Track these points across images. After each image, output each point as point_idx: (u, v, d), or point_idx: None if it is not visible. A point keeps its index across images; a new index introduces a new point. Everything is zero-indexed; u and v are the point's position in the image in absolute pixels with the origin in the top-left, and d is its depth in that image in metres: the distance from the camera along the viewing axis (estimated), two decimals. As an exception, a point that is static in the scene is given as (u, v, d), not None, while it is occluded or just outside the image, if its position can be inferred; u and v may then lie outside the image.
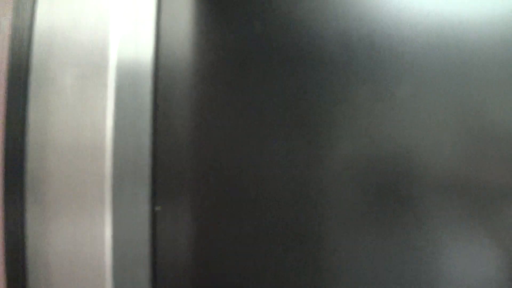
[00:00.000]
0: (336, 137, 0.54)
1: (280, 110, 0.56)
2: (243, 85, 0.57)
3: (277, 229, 0.55)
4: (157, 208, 0.60)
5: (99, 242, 0.56)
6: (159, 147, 0.60)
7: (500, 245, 0.51)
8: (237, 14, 0.58)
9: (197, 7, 0.60)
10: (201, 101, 0.59)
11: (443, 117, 0.52)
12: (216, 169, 0.58)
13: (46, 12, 0.60)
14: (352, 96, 0.54)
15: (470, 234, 0.52)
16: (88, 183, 0.56)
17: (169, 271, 0.60)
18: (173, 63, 0.60)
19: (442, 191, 0.52)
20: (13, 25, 0.62)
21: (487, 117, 0.52)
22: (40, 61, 0.60)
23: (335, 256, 0.54)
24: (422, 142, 0.52)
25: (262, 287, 0.56)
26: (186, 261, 0.59)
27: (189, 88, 0.59)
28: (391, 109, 0.53)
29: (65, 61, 0.58)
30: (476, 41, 0.53)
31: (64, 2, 0.59)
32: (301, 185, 0.55)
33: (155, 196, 0.60)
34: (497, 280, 0.51)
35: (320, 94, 0.55)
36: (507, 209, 0.51)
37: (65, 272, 0.58)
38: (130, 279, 0.57)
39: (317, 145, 0.54)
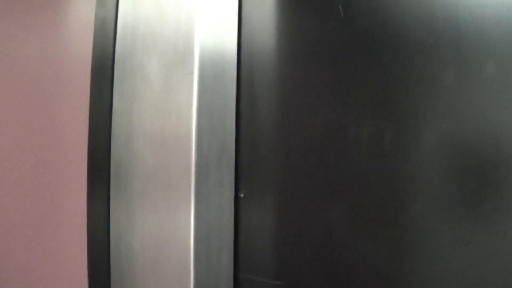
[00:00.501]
0: (422, 120, 0.53)
1: (364, 94, 0.55)
2: (326, 70, 0.57)
3: (361, 215, 0.55)
4: (241, 194, 0.60)
5: (184, 229, 0.57)
6: (243, 134, 0.60)
7: None
8: (319, -1, 0.58)
9: (278, -7, 0.60)
10: (284, 88, 0.59)
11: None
12: (299, 156, 0.58)
13: (129, 1, 0.61)
14: (438, 77, 0.53)
15: None
16: (173, 169, 0.57)
17: (251, 256, 0.60)
18: (257, 51, 0.60)
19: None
20: (96, 15, 0.63)
21: None
22: (124, 50, 0.61)
23: (421, 242, 0.53)
24: (510, 123, 0.51)
25: (341, 272, 0.56)
26: (268, 247, 0.60)
27: (272, 76, 0.59)
28: (476, 90, 0.52)
29: (150, 50, 0.59)
30: None
31: (147, -9, 0.60)
32: (386, 169, 0.54)
33: (239, 182, 0.60)
34: None
35: (406, 77, 0.54)
36: None
37: (149, 257, 0.59)
38: (213, 265, 0.58)
39: (403, 127, 0.54)
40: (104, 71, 0.62)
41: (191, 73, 0.56)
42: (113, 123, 0.62)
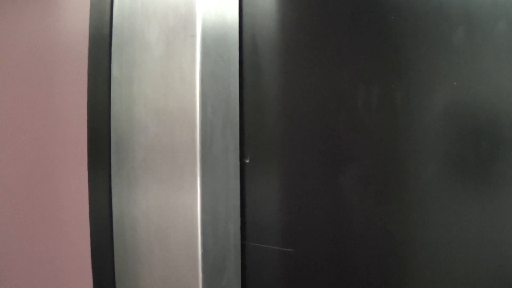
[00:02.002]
0: (432, 81, 0.53)
1: (372, 55, 0.55)
2: (332, 32, 0.56)
3: (371, 179, 0.55)
4: (246, 160, 0.59)
5: (190, 197, 0.56)
6: (248, 99, 0.59)
7: None
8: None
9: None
10: (288, 52, 0.58)
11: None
12: (306, 120, 0.57)
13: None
14: (448, 37, 0.52)
15: None
16: (177, 137, 0.56)
17: (258, 224, 0.59)
18: (259, 14, 0.59)
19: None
20: (93, -20, 0.61)
21: None
22: (122, 16, 0.59)
23: (431, 205, 0.53)
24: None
25: (350, 237, 0.56)
26: (275, 213, 0.59)
27: (276, 39, 0.58)
28: (487, 50, 0.51)
29: (150, 15, 0.58)
30: None
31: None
32: (396, 132, 0.53)
33: (244, 148, 0.59)
34: None
35: (415, 37, 0.53)
36: None
37: (154, 228, 0.58)
38: (221, 233, 0.57)
39: (412, 89, 0.53)
40: (102, 39, 0.60)
41: (194, 35, 0.55)
42: (112, 93, 0.61)
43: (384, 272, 0.54)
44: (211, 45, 0.56)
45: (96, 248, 0.62)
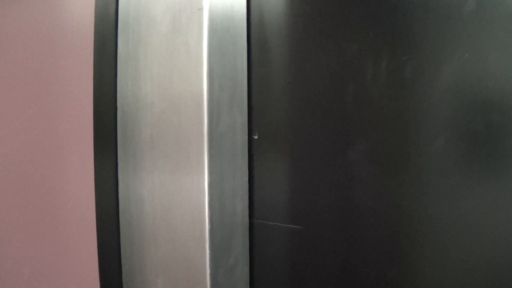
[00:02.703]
0: (442, 52, 0.52)
1: (381, 27, 0.54)
2: (338, 9, 0.55)
3: (380, 154, 0.54)
4: (254, 137, 0.59)
5: (197, 174, 0.55)
6: (255, 75, 0.58)
7: None
8: None
9: None
10: (296, 26, 0.57)
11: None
12: (315, 95, 0.56)
13: None
14: (458, 6, 0.51)
15: None
16: (183, 113, 0.55)
17: (266, 201, 0.59)
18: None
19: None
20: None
21: None
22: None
23: (442, 180, 0.52)
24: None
25: (359, 213, 0.55)
26: (283, 190, 0.58)
27: (284, 13, 0.58)
28: (499, 20, 0.50)
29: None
30: None
31: None
32: (406, 105, 0.53)
33: (252, 124, 0.58)
34: None
35: (424, 7, 0.52)
36: None
37: (159, 206, 0.57)
38: (228, 210, 0.56)
39: (422, 61, 0.52)
40: (108, 16, 0.60)
41: (201, 9, 0.54)
42: (118, 70, 0.60)
43: (394, 248, 0.53)
44: (218, 20, 0.55)
45: (101, 227, 0.61)
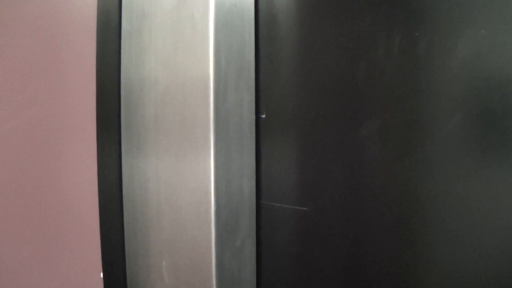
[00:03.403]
0: (458, 27, 0.49)
1: (391, 6, 0.51)
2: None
3: (393, 131, 0.52)
4: (262, 116, 0.57)
5: (202, 153, 0.53)
6: (263, 51, 0.56)
7: None
8: None
9: None
10: (305, 2, 0.55)
11: None
12: (325, 72, 0.54)
13: None
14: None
15: None
16: (188, 89, 0.53)
17: (274, 182, 0.57)
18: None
19: None
20: None
21: None
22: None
23: (457, 158, 0.50)
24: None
25: (369, 193, 0.53)
26: (291, 171, 0.56)
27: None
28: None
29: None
30: None
31: None
32: (420, 81, 0.50)
33: (260, 103, 0.56)
34: None
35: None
36: None
37: (164, 186, 0.55)
38: (235, 191, 0.55)
39: (437, 36, 0.50)
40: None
41: (207, -13, 0.52)
42: (122, 46, 0.58)
43: (405, 230, 0.51)
44: (226, 2, 0.53)
45: (104, 208, 0.59)
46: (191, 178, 0.54)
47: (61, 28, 0.60)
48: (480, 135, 0.49)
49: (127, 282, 0.58)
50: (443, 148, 0.50)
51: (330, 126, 0.54)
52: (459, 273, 0.50)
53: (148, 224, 0.57)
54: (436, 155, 0.50)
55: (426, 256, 0.51)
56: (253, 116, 0.56)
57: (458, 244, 0.50)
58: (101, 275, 0.60)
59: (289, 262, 0.57)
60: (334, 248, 0.54)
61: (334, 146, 0.54)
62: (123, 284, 0.57)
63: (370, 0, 0.52)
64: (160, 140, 0.56)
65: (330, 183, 0.54)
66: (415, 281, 0.52)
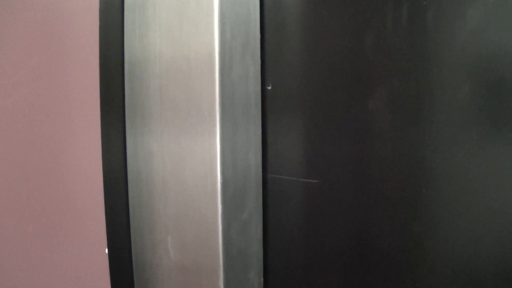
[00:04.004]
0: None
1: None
2: None
3: (398, 105, 0.51)
4: (268, 87, 0.56)
5: (208, 124, 0.52)
6: (268, 23, 0.55)
7: None
8: None
9: None
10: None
11: None
12: (331, 42, 0.53)
13: None
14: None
15: None
16: (193, 60, 0.53)
17: (280, 154, 0.56)
18: None
19: None
20: None
21: None
22: None
23: (464, 124, 0.49)
24: None
25: (379, 164, 0.52)
26: (298, 142, 0.55)
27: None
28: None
29: None
30: None
31: None
32: (428, 50, 0.50)
33: (265, 74, 0.56)
34: None
35: None
36: None
37: (169, 158, 0.55)
38: (241, 164, 0.54)
39: (445, 7, 0.49)
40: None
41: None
42: (125, 19, 0.57)
43: (414, 201, 0.51)
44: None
45: (109, 184, 0.59)
46: (197, 151, 0.53)
47: (63, 1, 0.60)
48: (489, 105, 0.48)
49: (132, 257, 0.57)
50: (452, 117, 0.49)
51: (337, 96, 0.53)
52: (467, 245, 0.50)
53: (154, 199, 0.57)
54: (445, 124, 0.50)
55: (435, 226, 0.51)
56: (259, 88, 0.56)
57: (466, 213, 0.49)
58: (106, 250, 0.59)
59: (295, 235, 0.56)
60: (341, 220, 0.54)
61: (342, 116, 0.53)
62: (128, 259, 0.57)
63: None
64: (165, 113, 0.55)
65: (337, 155, 0.53)
66: (423, 251, 0.51)
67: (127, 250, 0.57)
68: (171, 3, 0.54)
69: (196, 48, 0.52)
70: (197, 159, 0.53)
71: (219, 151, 0.52)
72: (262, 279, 0.58)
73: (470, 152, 0.49)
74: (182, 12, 0.53)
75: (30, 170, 0.61)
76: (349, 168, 0.53)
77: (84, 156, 0.60)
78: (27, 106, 0.61)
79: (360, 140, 0.53)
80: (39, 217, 0.62)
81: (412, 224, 0.51)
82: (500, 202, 0.48)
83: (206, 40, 0.52)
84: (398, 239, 0.52)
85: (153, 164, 0.56)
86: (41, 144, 0.61)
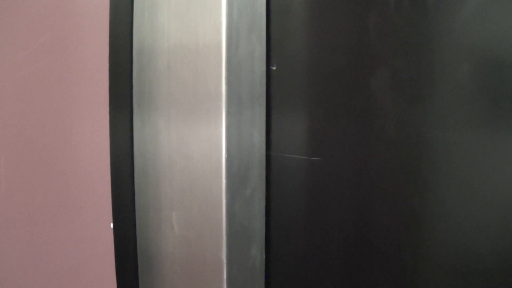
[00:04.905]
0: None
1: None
2: None
3: (401, 84, 0.52)
4: (273, 67, 0.57)
5: (213, 100, 0.53)
6: (274, 3, 0.57)
7: None
8: None
9: None
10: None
11: None
12: (335, 24, 0.55)
13: None
14: None
15: None
16: (201, 39, 0.54)
17: (283, 132, 0.57)
18: None
19: None
20: None
21: None
22: None
23: (464, 103, 0.50)
24: None
25: (382, 142, 0.53)
26: (302, 120, 0.57)
27: None
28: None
29: None
30: None
31: None
32: (427, 35, 0.51)
33: (271, 55, 0.57)
34: None
35: None
36: None
37: (177, 132, 0.56)
38: (245, 141, 0.55)
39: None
40: None
41: None
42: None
43: (416, 177, 0.52)
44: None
45: (115, 159, 0.60)
46: (203, 127, 0.54)
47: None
48: (489, 84, 0.49)
49: (137, 232, 0.58)
50: (452, 95, 0.50)
51: (341, 76, 0.54)
52: (470, 222, 0.51)
53: (159, 175, 0.58)
54: (446, 103, 0.51)
55: (436, 204, 0.52)
56: (264, 68, 0.57)
57: (467, 191, 0.50)
58: (111, 225, 0.61)
59: (298, 213, 0.57)
60: (343, 197, 0.55)
61: (345, 96, 0.54)
62: (133, 234, 0.58)
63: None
64: (172, 90, 0.56)
65: (339, 134, 0.55)
66: (425, 228, 0.52)
67: (132, 225, 0.58)
68: (179, -17, 0.56)
69: (204, 28, 0.54)
70: (203, 135, 0.54)
71: (224, 128, 0.53)
72: (264, 255, 0.59)
73: (471, 130, 0.50)
74: (190, -8, 0.55)
75: (39, 144, 0.62)
76: (350, 147, 0.55)
77: (92, 131, 0.61)
78: (37, 79, 0.62)
79: (361, 119, 0.54)
80: (47, 192, 0.63)
81: (414, 201, 0.52)
82: (505, 179, 0.49)
83: (214, 20, 0.53)
84: (399, 214, 0.53)
85: (159, 140, 0.58)
86: (50, 117, 0.62)
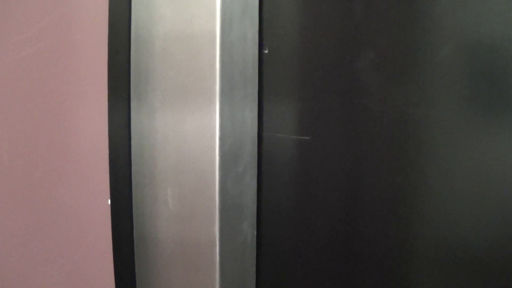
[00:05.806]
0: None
1: None
2: None
3: (385, 64, 0.55)
4: (265, 51, 0.60)
5: (207, 80, 0.56)
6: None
7: None
8: None
9: None
10: None
11: None
12: (326, 8, 0.57)
13: None
14: None
15: None
16: (195, 22, 0.56)
17: (275, 112, 0.60)
18: None
19: None
20: None
21: None
22: None
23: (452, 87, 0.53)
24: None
25: (369, 122, 0.56)
26: (293, 101, 0.59)
27: None
28: None
29: None
30: None
31: None
32: (411, 16, 0.54)
33: (263, 38, 0.59)
34: None
35: None
36: None
37: (171, 110, 0.58)
38: (238, 120, 0.58)
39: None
40: None
41: None
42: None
43: (401, 155, 0.54)
44: None
45: (113, 139, 0.62)
46: (197, 107, 0.57)
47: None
48: (471, 65, 0.52)
49: (133, 208, 0.60)
50: (437, 76, 0.53)
51: (329, 58, 0.57)
52: (457, 198, 0.53)
53: (155, 153, 0.60)
54: (429, 83, 0.53)
55: (424, 181, 0.54)
56: (257, 51, 0.59)
57: (454, 168, 0.53)
58: (109, 201, 0.63)
59: (289, 190, 0.60)
60: (332, 174, 0.57)
61: (333, 76, 0.57)
62: (129, 210, 0.60)
63: None
64: (168, 72, 0.58)
65: (328, 113, 0.57)
66: (412, 206, 0.54)
67: (129, 201, 0.60)
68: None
69: (198, 9, 0.56)
70: (197, 114, 0.57)
71: (218, 107, 0.56)
72: (255, 231, 0.61)
73: (455, 109, 0.52)
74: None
75: (35, 127, 0.64)
76: (339, 125, 0.57)
77: (90, 112, 0.63)
78: (34, 64, 0.64)
79: (348, 99, 0.56)
80: (44, 168, 0.65)
81: (400, 179, 0.55)
82: (488, 159, 0.52)
83: (207, 3, 0.56)
84: (388, 192, 0.55)
85: (155, 120, 0.60)
86: (48, 101, 0.64)
